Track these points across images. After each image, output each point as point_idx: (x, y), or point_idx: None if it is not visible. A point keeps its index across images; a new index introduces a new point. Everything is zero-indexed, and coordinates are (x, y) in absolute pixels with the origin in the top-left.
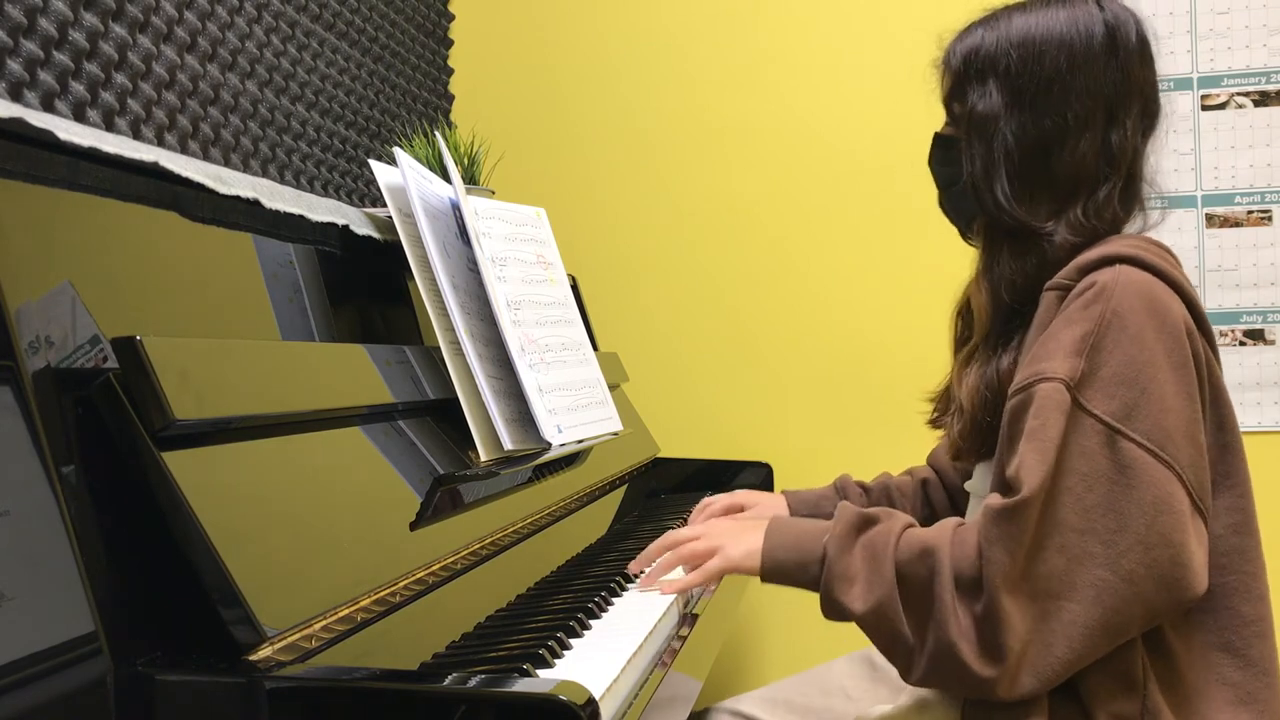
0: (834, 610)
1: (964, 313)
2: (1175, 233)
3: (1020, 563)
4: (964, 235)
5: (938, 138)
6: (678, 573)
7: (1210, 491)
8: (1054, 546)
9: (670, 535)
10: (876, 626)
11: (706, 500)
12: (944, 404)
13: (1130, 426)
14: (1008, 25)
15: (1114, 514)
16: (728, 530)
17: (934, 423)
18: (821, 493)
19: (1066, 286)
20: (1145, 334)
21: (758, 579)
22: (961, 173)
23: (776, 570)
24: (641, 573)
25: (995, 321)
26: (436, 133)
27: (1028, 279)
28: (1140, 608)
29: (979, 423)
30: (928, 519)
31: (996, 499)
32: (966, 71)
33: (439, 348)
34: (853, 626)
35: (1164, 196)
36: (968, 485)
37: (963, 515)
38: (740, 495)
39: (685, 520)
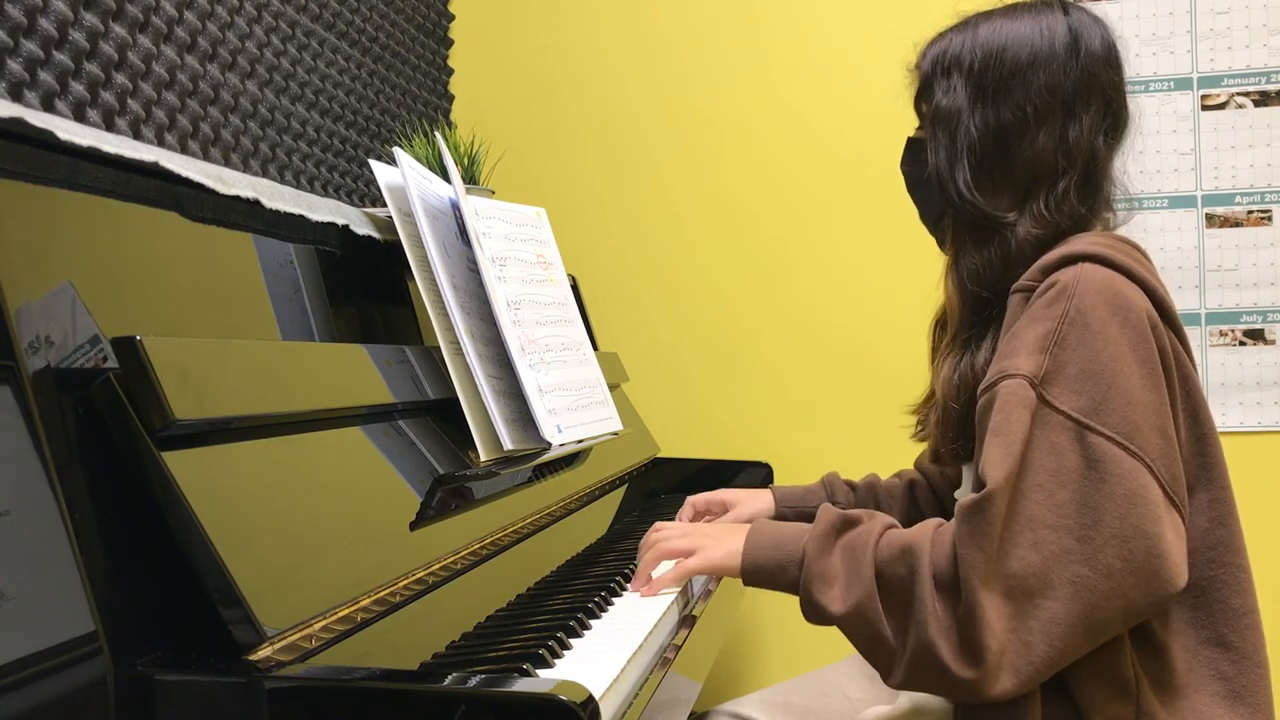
0: (814, 612)
1: (940, 323)
2: (1175, 233)
3: (993, 557)
4: (939, 242)
5: (909, 141)
6: (664, 567)
7: (1184, 483)
8: (1028, 544)
9: (652, 533)
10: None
11: (691, 499)
12: (925, 416)
13: (1098, 421)
14: (975, 30)
15: (1087, 509)
16: (710, 532)
17: (917, 436)
18: (808, 488)
19: (1030, 287)
20: (1108, 329)
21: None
22: (927, 171)
23: (756, 571)
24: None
25: (964, 313)
26: (436, 133)
27: (993, 269)
28: (1119, 603)
29: (949, 412)
30: (914, 521)
31: (967, 497)
32: (934, 71)
33: (439, 348)
34: None
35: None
36: (957, 494)
37: (950, 519)
38: (723, 493)
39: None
